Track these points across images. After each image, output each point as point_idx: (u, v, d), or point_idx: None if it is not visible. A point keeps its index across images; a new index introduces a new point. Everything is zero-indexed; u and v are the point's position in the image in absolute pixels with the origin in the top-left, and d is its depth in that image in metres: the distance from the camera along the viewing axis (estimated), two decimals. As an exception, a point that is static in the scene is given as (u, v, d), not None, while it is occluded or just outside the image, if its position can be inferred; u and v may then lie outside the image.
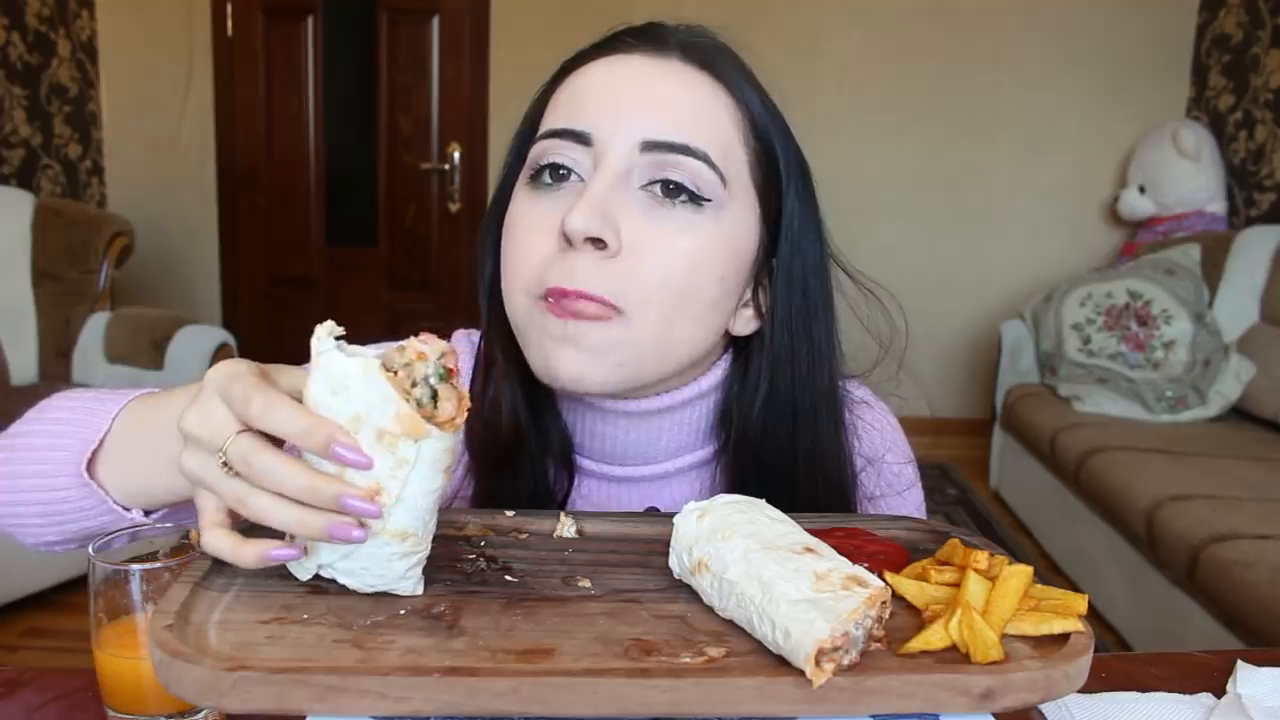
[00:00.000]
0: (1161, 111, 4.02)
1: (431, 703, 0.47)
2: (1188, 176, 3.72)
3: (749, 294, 0.76)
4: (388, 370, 0.53)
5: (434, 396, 0.53)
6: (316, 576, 0.58)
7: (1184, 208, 3.76)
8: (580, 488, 0.81)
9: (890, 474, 0.85)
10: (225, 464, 0.53)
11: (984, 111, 4.12)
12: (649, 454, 0.79)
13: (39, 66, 3.87)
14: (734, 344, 0.79)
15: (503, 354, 0.77)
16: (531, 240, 0.70)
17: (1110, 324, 3.33)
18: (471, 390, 0.79)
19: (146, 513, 0.69)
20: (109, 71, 4.14)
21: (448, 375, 0.54)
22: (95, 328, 3.02)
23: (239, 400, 0.52)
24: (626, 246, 0.68)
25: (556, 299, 0.68)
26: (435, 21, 4.17)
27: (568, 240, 0.68)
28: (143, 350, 2.92)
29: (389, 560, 0.55)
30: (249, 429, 0.53)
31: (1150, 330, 3.28)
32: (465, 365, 0.82)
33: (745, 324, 0.77)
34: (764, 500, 0.62)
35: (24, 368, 2.98)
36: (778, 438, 0.77)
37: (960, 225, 4.20)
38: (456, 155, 4.23)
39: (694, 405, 0.78)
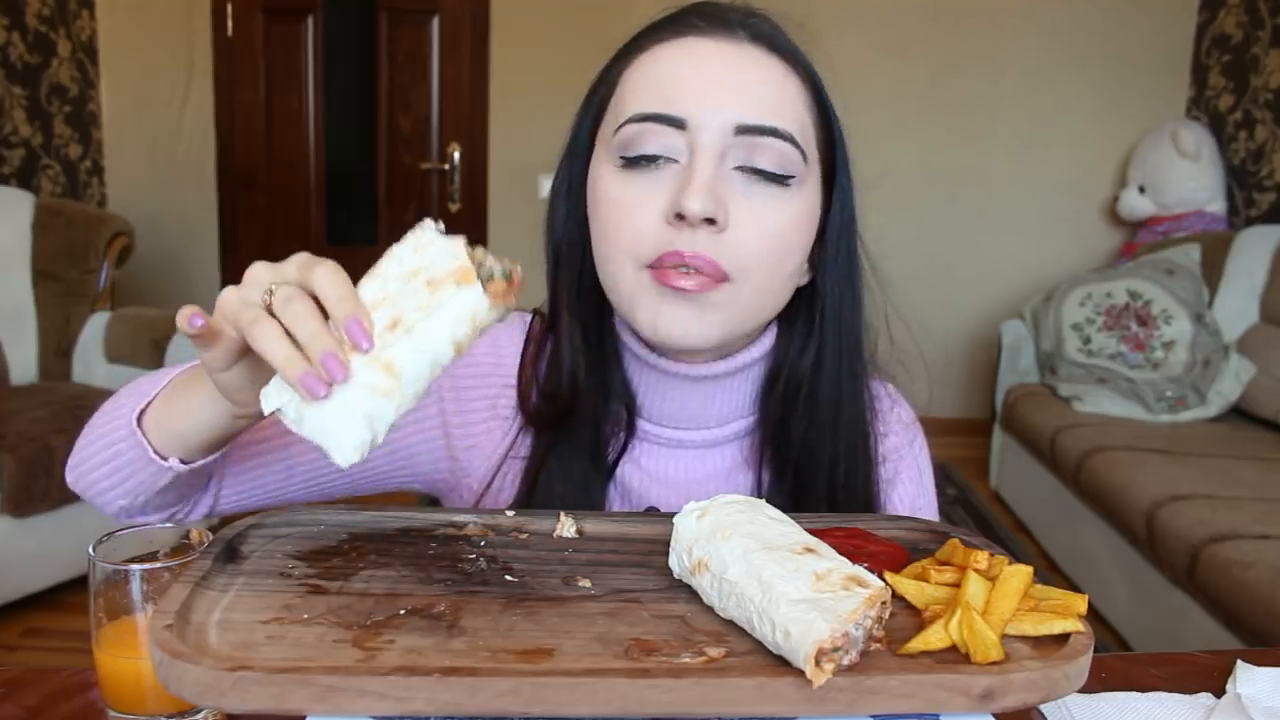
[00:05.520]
0: (1161, 111, 4.02)
1: (431, 703, 0.47)
2: (1188, 176, 3.72)
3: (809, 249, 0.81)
4: (469, 247, 0.59)
5: (491, 279, 0.58)
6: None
7: (1184, 208, 3.76)
8: (633, 450, 0.85)
9: (900, 434, 0.91)
10: (269, 293, 0.58)
11: (984, 111, 4.12)
12: (702, 418, 0.84)
13: (39, 66, 3.87)
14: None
15: (569, 313, 0.83)
16: (638, 217, 0.75)
17: (1110, 324, 3.33)
18: (523, 360, 0.86)
19: (183, 462, 0.73)
20: (109, 71, 4.14)
21: (510, 280, 0.59)
22: (95, 328, 3.01)
23: (311, 264, 0.59)
24: (732, 223, 0.74)
25: (671, 265, 0.73)
26: (435, 21, 4.17)
27: (681, 219, 0.72)
28: (143, 350, 2.92)
29: (358, 395, 0.55)
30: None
31: (1150, 330, 3.28)
32: (518, 337, 0.88)
33: (803, 276, 0.82)
34: (764, 500, 0.62)
35: (24, 368, 2.98)
36: (828, 390, 0.82)
37: (960, 224, 4.21)
38: (456, 155, 4.23)
39: (747, 371, 0.83)
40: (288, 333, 0.56)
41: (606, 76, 0.80)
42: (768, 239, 0.74)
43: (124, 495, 0.76)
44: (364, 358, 0.56)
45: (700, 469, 0.85)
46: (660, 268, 0.73)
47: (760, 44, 0.76)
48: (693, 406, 0.84)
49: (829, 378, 0.82)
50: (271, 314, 0.57)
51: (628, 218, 0.75)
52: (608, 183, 0.76)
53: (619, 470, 0.85)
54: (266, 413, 0.58)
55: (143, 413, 0.74)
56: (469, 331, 0.58)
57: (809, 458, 0.82)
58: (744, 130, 0.73)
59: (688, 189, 0.71)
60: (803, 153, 0.75)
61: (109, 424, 0.76)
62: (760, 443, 0.85)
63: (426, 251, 0.58)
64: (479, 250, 0.59)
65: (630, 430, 0.85)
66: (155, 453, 0.72)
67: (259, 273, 0.60)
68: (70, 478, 0.80)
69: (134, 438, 0.73)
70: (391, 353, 0.56)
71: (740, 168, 0.74)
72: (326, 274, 0.58)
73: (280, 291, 0.58)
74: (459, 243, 0.59)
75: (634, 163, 0.75)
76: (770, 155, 0.74)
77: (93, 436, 0.77)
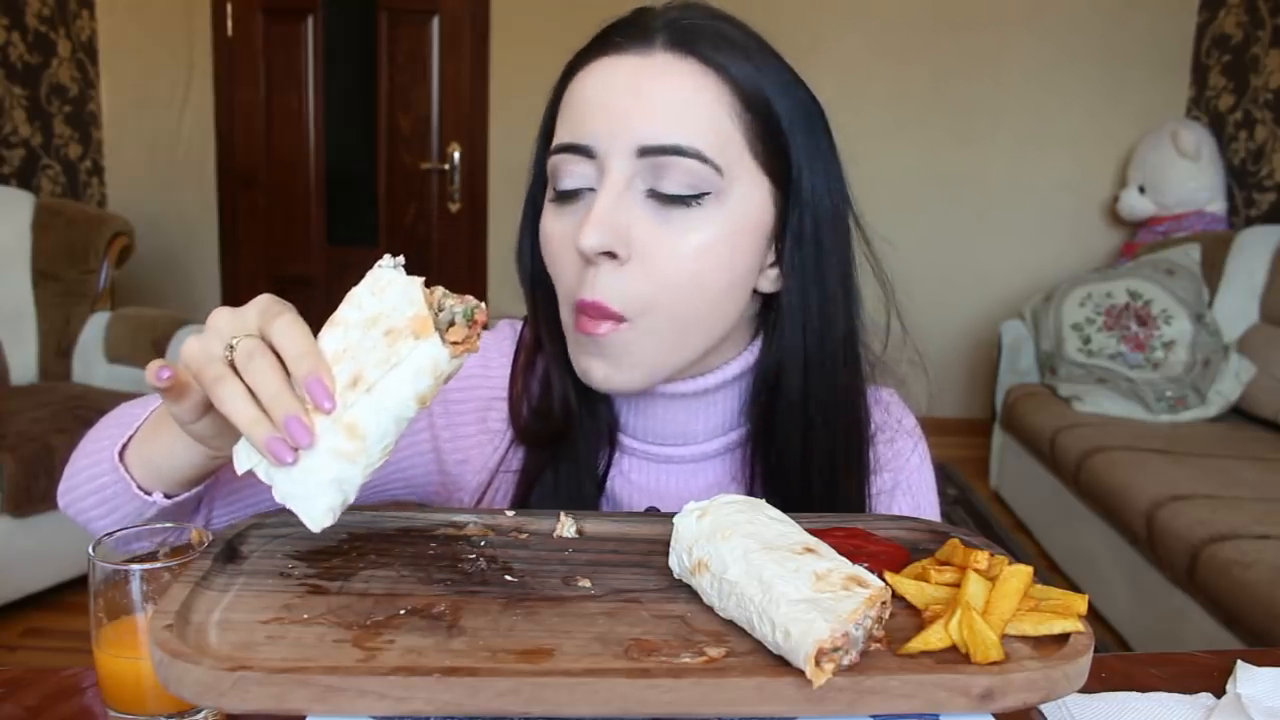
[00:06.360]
0: (1161, 111, 4.01)
1: (431, 703, 0.47)
2: (1188, 176, 3.72)
3: (772, 255, 0.78)
4: (427, 289, 0.57)
5: (451, 325, 0.57)
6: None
7: (1184, 208, 3.76)
8: (622, 464, 0.84)
9: (898, 438, 0.89)
10: (230, 348, 0.57)
11: (984, 111, 4.12)
12: (689, 434, 0.84)
13: (39, 66, 3.87)
14: (765, 317, 0.82)
15: (550, 341, 0.82)
16: (562, 256, 0.75)
17: (1110, 324, 3.33)
18: (514, 371, 0.86)
19: (167, 496, 0.73)
20: (109, 71, 4.14)
21: (472, 322, 0.57)
22: (95, 328, 3.01)
23: (272, 312, 0.58)
24: (637, 252, 0.72)
25: (582, 312, 0.73)
26: (435, 21, 4.17)
27: (584, 257, 0.72)
28: (143, 350, 2.92)
29: (324, 460, 0.55)
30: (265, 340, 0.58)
31: (1150, 330, 3.28)
32: (508, 348, 0.87)
33: (772, 283, 0.79)
34: (764, 501, 0.62)
35: (24, 368, 2.98)
36: (794, 390, 0.79)
37: (960, 225, 4.20)
38: (456, 155, 4.23)
39: (729, 388, 0.82)
40: (251, 390, 0.55)
41: (552, 99, 0.79)
42: (682, 260, 0.72)
43: (114, 525, 0.75)
44: (327, 419, 0.55)
45: (693, 484, 0.84)
46: (578, 314, 0.74)
47: (676, 50, 0.73)
48: (678, 423, 0.83)
49: (799, 384, 0.79)
50: (234, 369, 0.56)
51: (557, 258, 0.76)
52: (546, 218, 0.77)
53: (611, 486, 0.84)
54: (239, 472, 0.58)
55: (125, 447, 0.73)
56: (431, 383, 0.56)
57: (790, 465, 0.81)
58: (646, 152, 0.71)
59: (582, 226, 0.71)
60: (714, 166, 0.72)
61: (93, 455, 0.75)
62: (750, 454, 0.83)
63: (385, 296, 0.56)
64: (438, 291, 0.57)
65: (613, 447, 0.84)
66: (139, 488, 0.72)
67: (221, 322, 0.59)
68: (62, 503, 0.80)
69: (116, 473, 0.72)
70: (354, 414, 0.55)
71: (649, 192, 0.72)
72: (285, 327, 0.56)
73: (242, 345, 0.57)
74: (416, 285, 0.57)
75: (560, 196, 0.75)
76: (675, 176, 0.71)
77: (80, 466, 0.77)
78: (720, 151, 0.72)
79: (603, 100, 0.73)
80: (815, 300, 0.78)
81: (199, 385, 0.59)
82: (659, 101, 0.72)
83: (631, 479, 0.84)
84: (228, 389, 0.56)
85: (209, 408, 0.61)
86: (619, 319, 0.72)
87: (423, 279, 0.57)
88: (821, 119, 0.78)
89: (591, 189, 0.74)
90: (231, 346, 0.57)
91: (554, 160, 0.75)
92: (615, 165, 0.72)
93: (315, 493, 0.55)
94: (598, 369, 0.75)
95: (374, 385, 0.55)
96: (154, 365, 0.58)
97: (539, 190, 0.81)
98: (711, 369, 0.81)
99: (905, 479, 0.89)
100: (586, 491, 0.83)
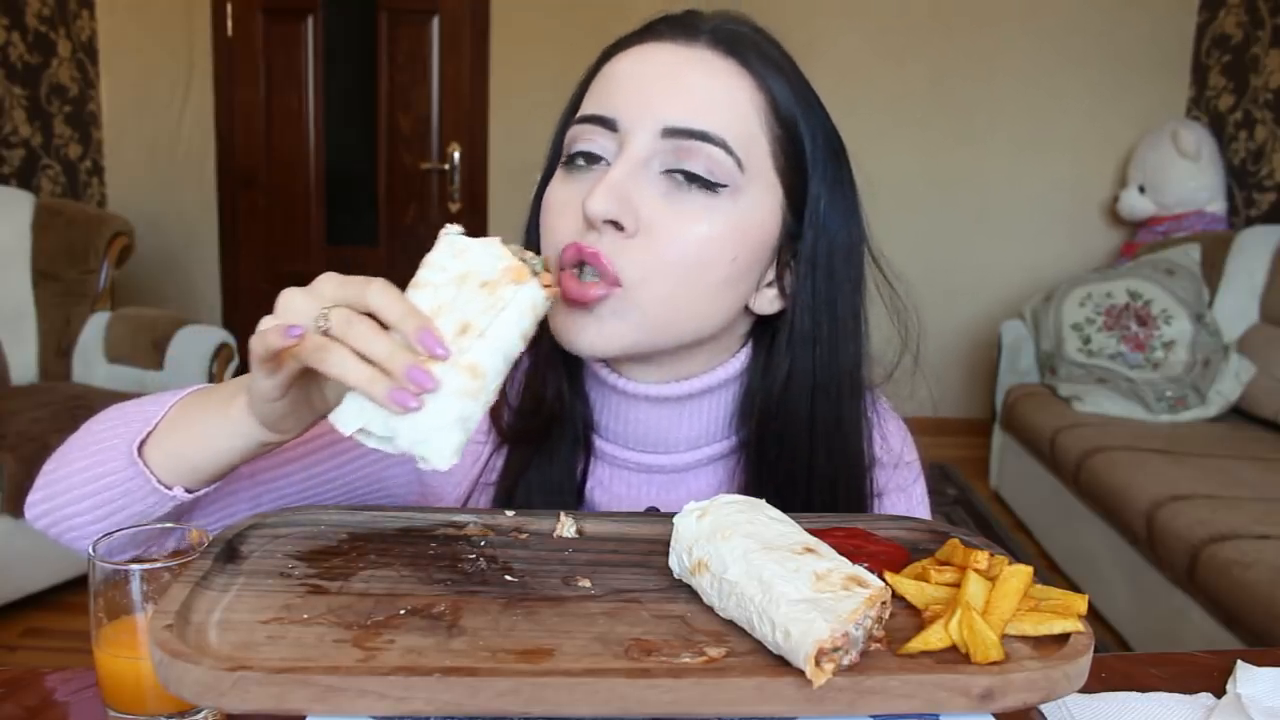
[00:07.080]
0: (1161, 111, 4.01)
1: (431, 703, 0.47)
2: (1188, 176, 3.72)
3: (772, 274, 0.78)
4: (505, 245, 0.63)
5: (535, 273, 0.62)
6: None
7: (1184, 208, 3.76)
8: (599, 474, 0.83)
9: (899, 471, 0.87)
10: (324, 317, 0.58)
11: (983, 112, 4.12)
12: (670, 441, 0.81)
13: (39, 66, 3.87)
14: (757, 333, 0.81)
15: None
16: (561, 218, 0.74)
17: (1110, 324, 3.33)
18: None
19: (188, 491, 0.72)
20: (109, 71, 4.14)
21: (547, 268, 0.63)
22: (95, 328, 3.01)
23: (357, 283, 0.59)
24: (643, 227, 0.71)
25: (571, 262, 0.71)
26: (435, 21, 4.17)
27: (589, 222, 0.71)
28: (143, 350, 2.92)
29: (448, 403, 0.57)
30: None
31: (1150, 330, 3.28)
32: None
33: (769, 303, 0.78)
34: (764, 501, 0.62)
35: (24, 368, 2.98)
36: (799, 416, 0.78)
37: (960, 225, 4.20)
38: (456, 155, 4.23)
39: (715, 394, 0.80)
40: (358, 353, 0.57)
41: (584, 79, 0.79)
42: (683, 245, 0.71)
43: (101, 532, 0.73)
44: (444, 365, 0.57)
45: (673, 496, 0.82)
46: (564, 269, 0.71)
47: (719, 48, 0.73)
48: (657, 429, 0.80)
49: (800, 407, 0.78)
50: (331, 339, 0.57)
51: (554, 220, 0.74)
52: (552, 185, 0.76)
53: (590, 496, 0.82)
54: (347, 433, 0.59)
55: (144, 441, 0.73)
56: (532, 322, 0.62)
57: (787, 486, 0.79)
58: (671, 133, 0.71)
59: (592, 190, 0.70)
60: (737, 161, 0.71)
61: (94, 457, 0.74)
62: (741, 468, 0.82)
63: (466, 256, 0.61)
64: (512, 247, 0.63)
65: (589, 450, 0.82)
66: (159, 482, 0.71)
67: (297, 302, 0.60)
68: (34, 513, 0.78)
69: (134, 468, 0.72)
70: (471, 356, 0.58)
71: (667, 171, 0.72)
72: (382, 291, 0.58)
73: (336, 315, 0.58)
74: (497, 243, 0.62)
75: (573, 165, 0.74)
76: (697, 160, 0.71)
77: (68, 471, 0.75)
78: (744, 149, 0.72)
79: (636, 78, 0.73)
80: (825, 328, 0.77)
81: (294, 361, 0.60)
82: (693, 88, 0.72)
83: (612, 490, 0.82)
84: (335, 354, 0.57)
85: (291, 385, 0.63)
86: (615, 282, 0.71)
87: (498, 239, 0.63)
88: (845, 157, 0.79)
89: (607, 162, 0.73)
90: (325, 317, 0.58)
91: (574, 130, 0.74)
92: (637, 140, 0.71)
93: (440, 435, 0.58)
94: (584, 330, 0.72)
95: (485, 330, 0.59)
96: (281, 326, 0.58)
97: (553, 169, 0.79)
98: (694, 374, 0.79)
99: (905, 510, 0.87)
100: (566, 491, 0.81)
